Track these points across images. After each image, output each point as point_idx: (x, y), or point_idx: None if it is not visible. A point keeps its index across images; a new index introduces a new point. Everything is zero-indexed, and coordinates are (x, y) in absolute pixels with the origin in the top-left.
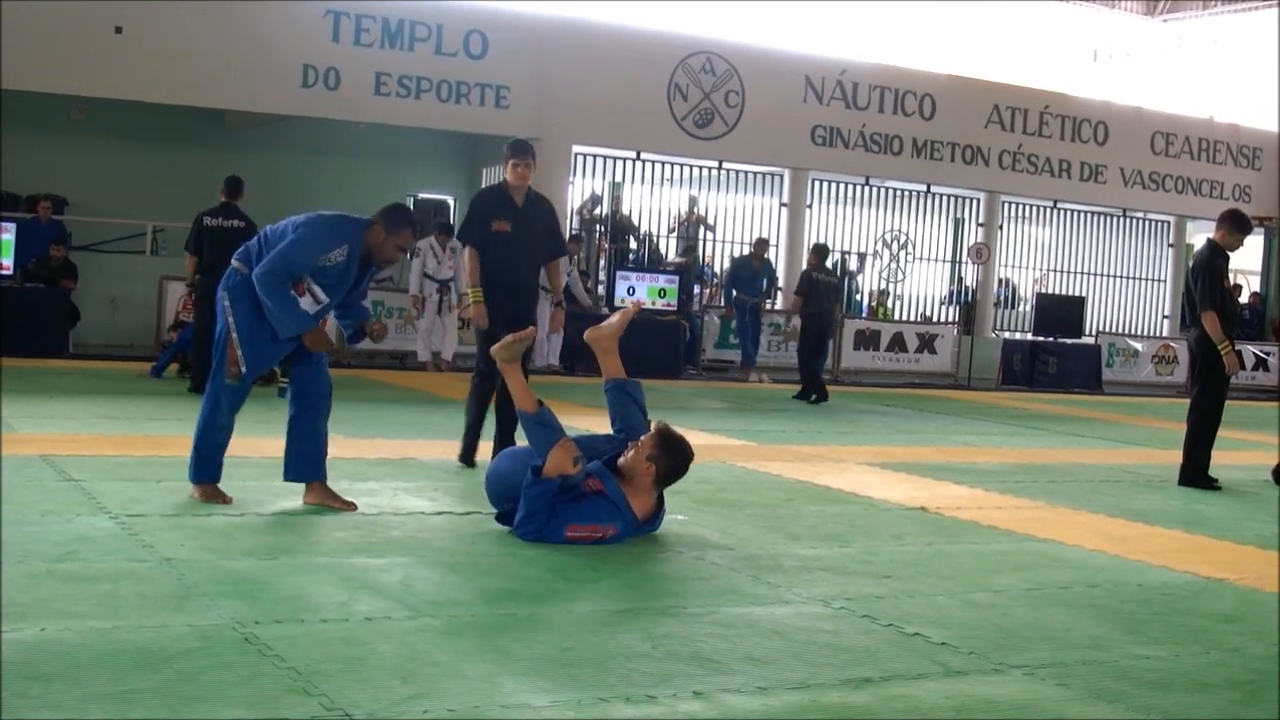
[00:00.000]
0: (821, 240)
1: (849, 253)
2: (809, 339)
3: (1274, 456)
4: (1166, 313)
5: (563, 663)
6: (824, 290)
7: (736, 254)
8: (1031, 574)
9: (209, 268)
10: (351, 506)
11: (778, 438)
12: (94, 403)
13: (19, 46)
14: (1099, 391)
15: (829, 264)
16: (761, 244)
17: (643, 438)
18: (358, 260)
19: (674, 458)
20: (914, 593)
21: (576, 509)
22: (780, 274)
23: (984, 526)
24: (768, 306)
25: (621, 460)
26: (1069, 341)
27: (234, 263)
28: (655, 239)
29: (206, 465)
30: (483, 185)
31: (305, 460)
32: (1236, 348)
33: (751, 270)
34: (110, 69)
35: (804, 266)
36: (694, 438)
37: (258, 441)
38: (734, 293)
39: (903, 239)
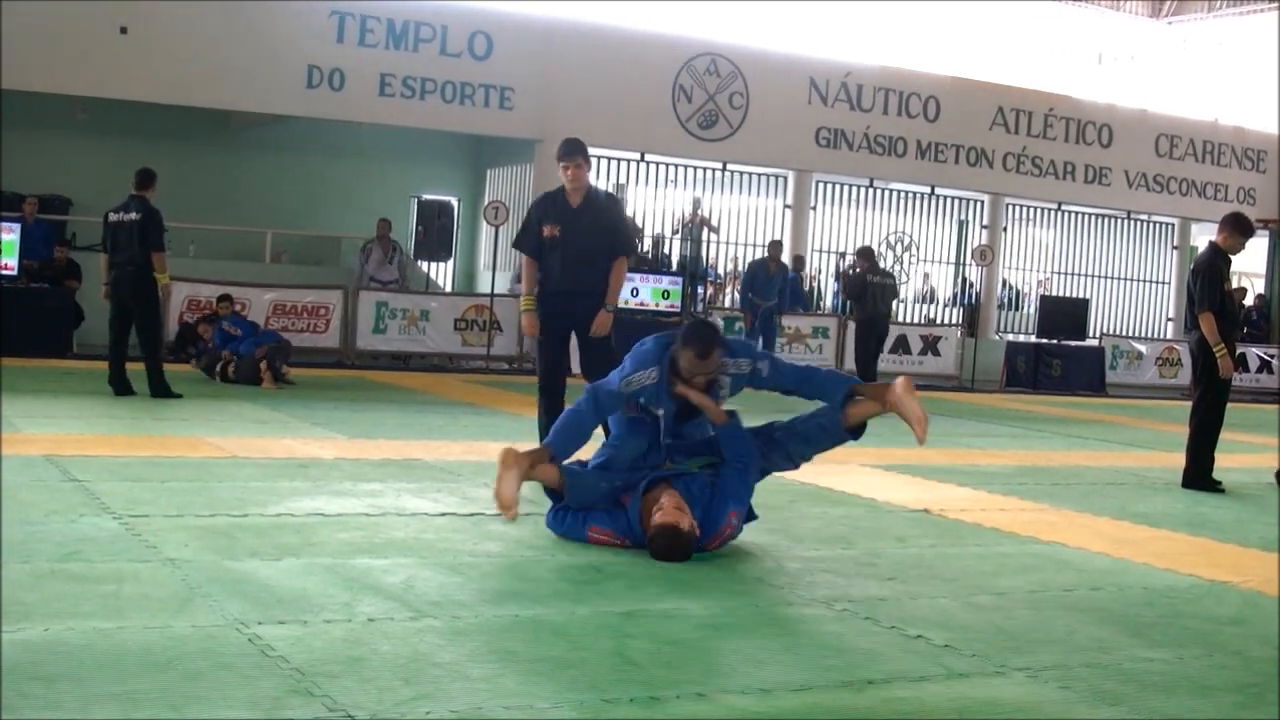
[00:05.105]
0: (823, 243)
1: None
2: (866, 345)
3: (1277, 459)
4: (1170, 315)
5: (566, 664)
6: (877, 292)
7: (739, 255)
8: (1035, 576)
9: (116, 263)
10: None
11: None
12: (98, 403)
13: (24, 46)
14: (1103, 394)
15: (882, 264)
16: (775, 246)
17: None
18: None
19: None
20: (917, 595)
21: (608, 515)
22: None
23: (987, 529)
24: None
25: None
26: (1073, 344)
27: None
28: (664, 240)
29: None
30: (486, 187)
31: None
32: (1239, 351)
33: (767, 274)
34: (115, 69)
35: (854, 270)
36: None
37: (258, 441)
38: (750, 297)
39: (907, 241)
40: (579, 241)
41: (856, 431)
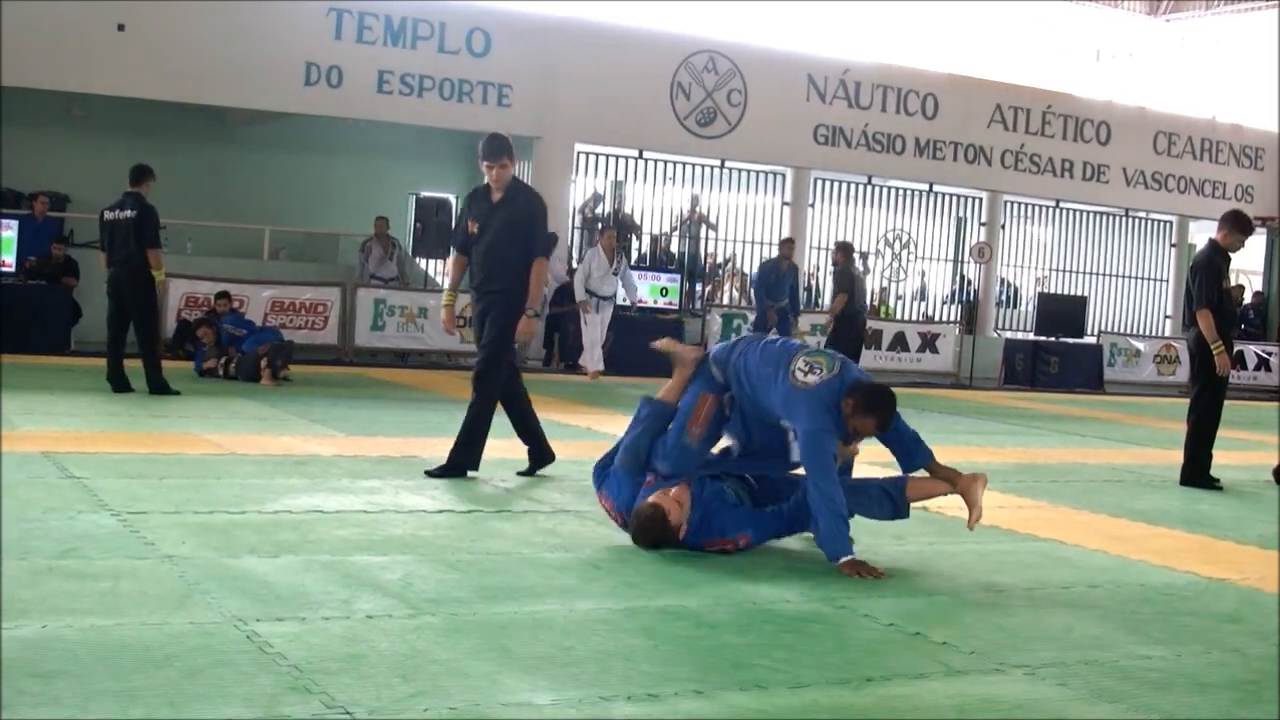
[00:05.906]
0: (822, 240)
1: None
2: (855, 339)
3: (1275, 456)
4: (1168, 313)
5: (564, 661)
6: (860, 287)
7: (738, 253)
8: (1032, 574)
9: (114, 260)
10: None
11: None
12: (96, 400)
13: (21, 43)
14: (1101, 391)
15: (880, 262)
16: (788, 244)
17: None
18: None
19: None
20: (915, 592)
21: (619, 483)
22: None
23: (985, 526)
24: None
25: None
26: (1071, 341)
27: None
28: (665, 237)
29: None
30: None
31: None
32: (1237, 348)
33: (779, 273)
34: (112, 66)
35: (832, 265)
36: None
37: (256, 438)
38: (765, 299)
39: (905, 238)
40: (493, 237)
41: (906, 511)
